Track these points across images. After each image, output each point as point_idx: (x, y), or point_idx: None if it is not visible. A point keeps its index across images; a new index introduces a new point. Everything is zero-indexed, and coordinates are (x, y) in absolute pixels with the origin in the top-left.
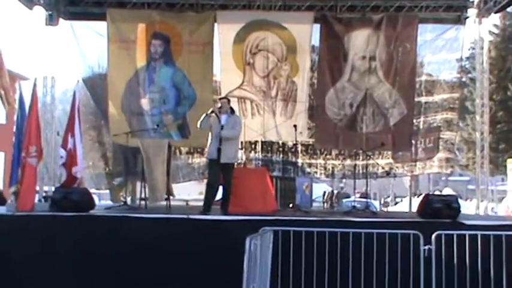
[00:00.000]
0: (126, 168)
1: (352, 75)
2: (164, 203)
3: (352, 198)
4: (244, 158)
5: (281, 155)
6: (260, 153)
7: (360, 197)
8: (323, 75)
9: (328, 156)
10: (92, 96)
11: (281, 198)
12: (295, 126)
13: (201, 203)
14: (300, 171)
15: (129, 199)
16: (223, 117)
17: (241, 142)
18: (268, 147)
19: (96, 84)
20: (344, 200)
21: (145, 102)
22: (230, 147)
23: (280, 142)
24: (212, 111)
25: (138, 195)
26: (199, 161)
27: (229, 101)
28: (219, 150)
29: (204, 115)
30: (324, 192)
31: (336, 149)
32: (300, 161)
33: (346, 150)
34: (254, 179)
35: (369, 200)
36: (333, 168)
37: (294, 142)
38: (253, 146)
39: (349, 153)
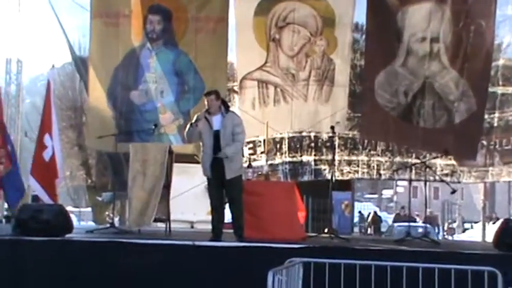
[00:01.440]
0: (115, 180)
1: (407, 60)
2: (162, 225)
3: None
4: (266, 167)
5: (313, 153)
6: (287, 154)
7: (424, 221)
8: (372, 55)
9: (372, 152)
10: (70, 86)
11: (313, 221)
12: (333, 123)
13: (209, 226)
14: (337, 170)
15: (117, 220)
16: (216, 120)
17: (263, 141)
18: (296, 144)
19: (76, 71)
20: (395, 224)
21: (137, 95)
22: (232, 158)
23: (312, 135)
24: (197, 120)
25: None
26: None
27: (217, 95)
28: (216, 165)
29: (188, 125)
30: (369, 213)
31: (384, 142)
32: (337, 158)
33: (396, 145)
34: (279, 196)
35: (428, 225)
36: (378, 166)
37: (330, 134)
38: (278, 145)
39: (400, 149)
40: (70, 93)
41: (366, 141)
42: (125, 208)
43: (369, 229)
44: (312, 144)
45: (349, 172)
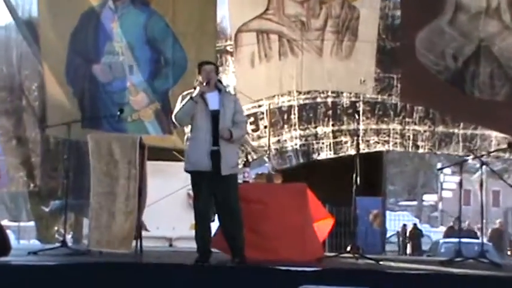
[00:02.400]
0: (68, 184)
1: (456, 17)
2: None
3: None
4: (270, 166)
5: (331, 122)
6: (297, 125)
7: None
8: (411, 6)
9: (407, 120)
10: (4, 60)
11: (331, 236)
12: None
13: (194, 245)
14: (362, 141)
15: (69, 237)
16: (212, 97)
17: (266, 111)
18: (309, 112)
19: (11, 40)
20: (441, 241)
21: (100, 70)
22: (231, 149)
23: (330, 100)
24: (202, 92)
25: (86, 231)
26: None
27: (217, 68)
28: (214, 156)
29: (185, 100)
30: (404, 225)
31: (430, 108)
32: (362, 127)
33: (443, 114)
34: (287, 203)
35: (486, 242)
36: (414, 136)
37: (353, 98)
38: (285, 115)
39: (443, 116)
40: (4, 69)
41: (399, 106)
42: (80, 222)
43: (406, 247)
44: (330, 112)
45: (377, 143)
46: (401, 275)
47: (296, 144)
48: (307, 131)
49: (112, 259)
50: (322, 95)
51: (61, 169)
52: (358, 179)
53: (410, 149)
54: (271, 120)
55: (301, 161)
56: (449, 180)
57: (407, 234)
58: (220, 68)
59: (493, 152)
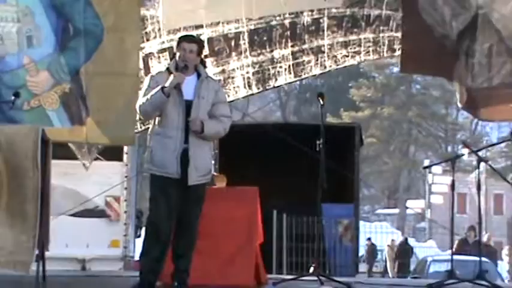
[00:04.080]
0: None
1: None
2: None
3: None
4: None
5: (289, 43)
6: (248, 52)
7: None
8: None
9: (382, 28)
10: None
11: (290, 254)
12: None
13: (112, 267)
14: (327, 58)
15: None
16: (188, 84)
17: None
18: (263, 37)
19: None
20: (429, 259)
21: None
22: (203, 151)
23: (287, 22)
24: (177, 84)
25: None
26: (109, 172)
27: (201, 46)
28: (183, 159)
29: (155, 89)
30: (393, 241)
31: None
32: (326, 42)
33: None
34: (233, 214)
35: (485, 260)
36: (390, 42)
37: (316, 14)
38: (232, 43)
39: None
40: None
41: (372, 16)
42: None
43: (388, 267)
44: (288, 33)
45: (346, 56)
46: None
47: (248, 73)
48: (261, 56)
49: None
50: (278, 18)
51: None
52: (325, 181)
53: (385, 54)
54: (213, 49)
55: (255, 90)
56: (439, 181)
57: (388, 252)
58: (148, 3)
59: (493, 145)
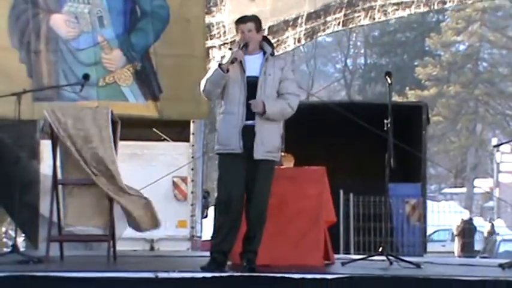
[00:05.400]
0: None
1: None
2: (101, 247)
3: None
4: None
5: (343, 11)
6: (303, 25)
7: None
8: None
9: None
10: None
11: (357, 234)
12: None
13: (180, 247)
14: (378, 12)
15: (21, 241)
16: (252, 62)
17: None
18: (320, 13)
19: None
20: (498, 238)
21: (62, 22)
22: (271, 128)
23: None
24: (234, 59)
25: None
26: (175, 153)
27: (258, 23)
28: (246, 134)
29: (214, 65)
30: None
31: None
32: (379, 2)
33: None
34: (303, 195)
35: None
36: None
37: None
38: (289, 25)
39: None
40: None
41: None
42: (35, 221)
43: (455, 246)
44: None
45: (396, 9)
46: (449, 282)
47: (300, 31)
48: (314, 23)
49: (76, 267)
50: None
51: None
52: (392, 160)
53: (435, 7)
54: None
55: (302, 42)
56: (507, 160)
57: (457, 230)
58: (214, 8)
59: None
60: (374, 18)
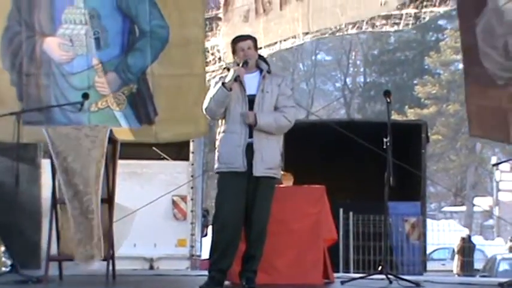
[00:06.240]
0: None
1: None
2: (100, 266)
3: None
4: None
5: None
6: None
7: None
8: None
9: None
10: None
11: (356, 252)
12: None
13: (180, 265)
14: (366, 24)
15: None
16: (250, 80)
17: None
18: None
19: None
20: (498, 257)
21: (55, 45)
22: (270, 144)
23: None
24: (237, 77)
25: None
26: (175, 171)
27: (255, 42)
28: (249, 152)
29: (215, 86)
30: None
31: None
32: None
33: None
34: (302, 213)
35: None
36: None
37: None
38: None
39: None
40: None
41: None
42: (36, 239)
43: (454, 265)
44: None
45: (385, 24)
46: None
47: None
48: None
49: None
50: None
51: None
52: (391, 178)
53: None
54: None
55: None
56: (507, 178)
57: (457, 249)
58: (209, 33)
59: None
60: (361, 28)
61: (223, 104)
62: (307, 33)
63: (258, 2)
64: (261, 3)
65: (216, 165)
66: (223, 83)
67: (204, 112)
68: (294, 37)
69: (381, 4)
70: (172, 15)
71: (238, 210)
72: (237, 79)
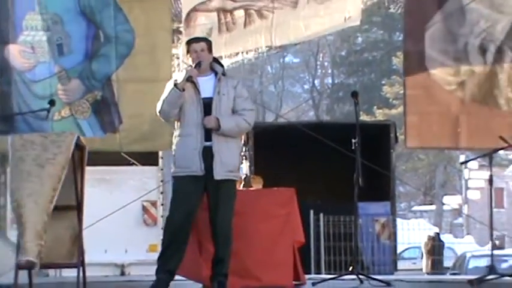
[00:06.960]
0: None
1: None
2: (71, 273)
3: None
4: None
5: None
6: None
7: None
8: None
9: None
10: None
11: (328, 253)
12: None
13: (153, 271)
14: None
15: None
16: (205, 83)
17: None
18: None
19: None
20: (468, 255)
21: (16, 53)
22: (229, 147)
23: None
24: (189, 77)
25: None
26: (144, 177)
27: (210, 44)
28: (206, 155)
29: (169, 85)
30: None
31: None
32: None
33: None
34: (271, 215)
35: None
36: None
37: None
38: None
39: None
40: None
41: None
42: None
43: (423, 264)
44: None
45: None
46: None
47: None
48: None
49: None
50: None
51: None
52: (361, 179)
53: None
54: None
55: None
56: (475, 176)
57: (426, 247)
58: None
59: None
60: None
61: (176, 105)
62: (270, 48)
63: (222, 22)
64: (224, 24)
65: (172, 169)
66: (175, 84)
67: (158, 114)
68: (257, 50)
69: (345, 19)
70: (139, 19)
71: (189, 214)
72: (190, 79)
